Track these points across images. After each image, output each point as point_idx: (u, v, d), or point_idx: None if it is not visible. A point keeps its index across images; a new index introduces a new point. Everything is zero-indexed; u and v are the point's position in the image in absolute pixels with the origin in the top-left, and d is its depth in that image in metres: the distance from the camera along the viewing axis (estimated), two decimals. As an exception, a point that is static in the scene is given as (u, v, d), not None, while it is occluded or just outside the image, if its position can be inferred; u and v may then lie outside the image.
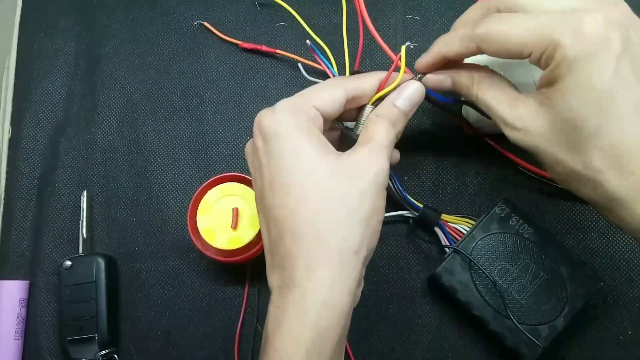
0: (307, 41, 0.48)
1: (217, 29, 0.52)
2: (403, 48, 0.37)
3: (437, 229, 0.44)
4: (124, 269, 0.48)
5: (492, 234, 0.42)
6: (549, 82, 0.31)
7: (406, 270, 0.46)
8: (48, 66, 0.53)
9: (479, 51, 0.34)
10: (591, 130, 0.30)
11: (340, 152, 0.33)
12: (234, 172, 0.45)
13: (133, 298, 0.48)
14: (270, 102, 0.49)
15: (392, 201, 0.45)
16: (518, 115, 0.33)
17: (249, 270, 0.47)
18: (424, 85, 0.37)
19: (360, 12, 0.39)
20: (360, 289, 0.34)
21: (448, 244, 0.43)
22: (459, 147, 0.47)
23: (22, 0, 0.55)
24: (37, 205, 0.50)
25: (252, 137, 0.35)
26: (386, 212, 0.46)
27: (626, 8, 0.31)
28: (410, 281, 0.46)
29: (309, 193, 0.31)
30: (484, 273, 0.41)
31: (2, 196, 0.51)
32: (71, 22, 0.54)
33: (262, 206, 0.33)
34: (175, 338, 0.47)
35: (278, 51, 0.50)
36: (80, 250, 0.48)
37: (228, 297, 0.47)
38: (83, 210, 0.49)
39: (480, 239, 0.42)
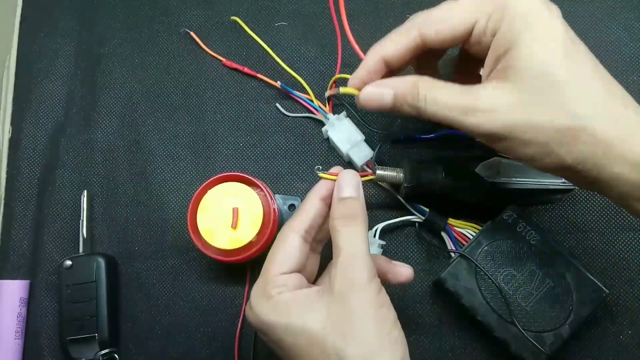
0: (278, 82, 0.48)
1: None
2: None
3: (443, 234, 0.44)
4: (124, 269, 0.48)
5: (499, 239, 0.42)
6: (504, 50, 0.31)
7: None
8: (48, 66, 0.53)
9: (422, 44, 0.34)
10: (566, 77, 0.30)
11: (322, 289, 0.33)
12: (234, 172, 0.45)
13: (133, 298, 0.48)
14: (270, 100, 0.50)
15: (399, 205, 0.45)
16: (479, 98, 0.31)
17: (249, 270, 0.47)
18: (362, 105, 0.35)
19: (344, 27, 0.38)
20: None
21: (454, 248, 0.43)
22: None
23: (22, 0, 0.55)
24: (37, 205, 0.50)
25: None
26: (392, 216, 0.46)
27: None
28: (415, 286, 0.45)
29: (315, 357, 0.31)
30: (490, 279, 0.40)
31: (2, 196, 0.51)
32: (71, 22, 0.54)
33: None
34: (175, 338, 0.47)
35: (259, 75, 0.50)
36: (81, 250, 0.48)
37: (228, 297, 0.47)
38: (83, 210, 0.49)
39: (486, 245, 0.42)
